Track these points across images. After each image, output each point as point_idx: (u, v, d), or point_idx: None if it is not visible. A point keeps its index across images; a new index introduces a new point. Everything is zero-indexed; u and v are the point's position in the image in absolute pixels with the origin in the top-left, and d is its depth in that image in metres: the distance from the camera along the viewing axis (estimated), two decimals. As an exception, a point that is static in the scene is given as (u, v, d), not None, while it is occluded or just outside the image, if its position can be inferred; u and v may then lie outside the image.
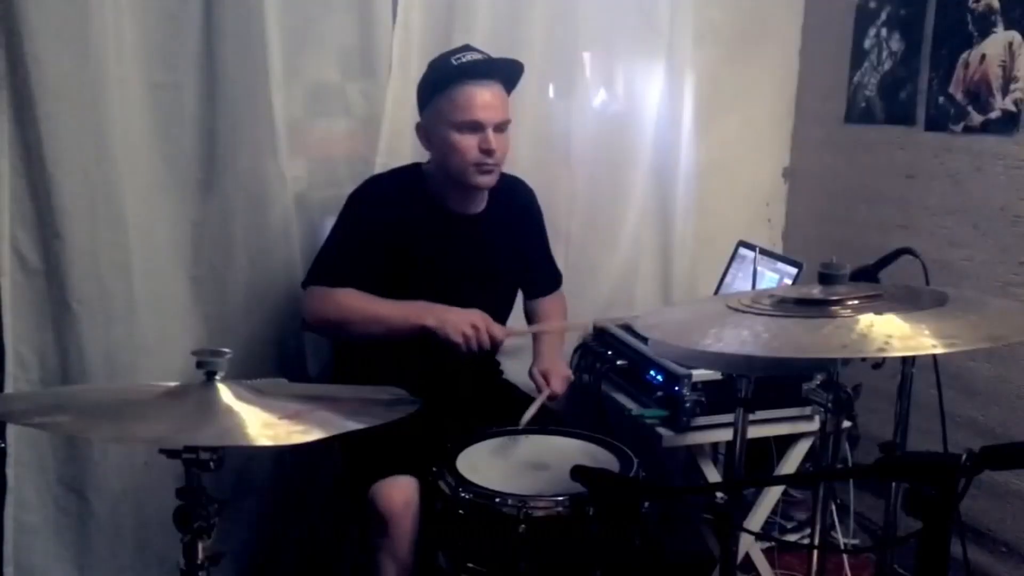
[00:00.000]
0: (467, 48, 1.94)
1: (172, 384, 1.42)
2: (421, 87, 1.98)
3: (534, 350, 2.13)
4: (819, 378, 1.57)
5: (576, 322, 2.36)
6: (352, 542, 2.25)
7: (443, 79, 1.90)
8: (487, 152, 1.90)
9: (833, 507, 2.33)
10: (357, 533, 2.03)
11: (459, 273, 2.01)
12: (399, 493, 1.75)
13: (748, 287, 2.34)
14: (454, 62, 1.89)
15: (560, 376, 2.03)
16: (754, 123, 2.95)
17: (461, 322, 1.83)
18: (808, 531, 2.54)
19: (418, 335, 1.85)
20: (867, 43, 2.68)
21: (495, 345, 1.88)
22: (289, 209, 2.24)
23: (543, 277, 2.28)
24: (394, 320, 1.87)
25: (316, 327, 2.04)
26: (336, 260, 1.95)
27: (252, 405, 1.30)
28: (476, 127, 1.89)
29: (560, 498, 1.57)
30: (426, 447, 1.75)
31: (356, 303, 1.89)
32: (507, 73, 1.96)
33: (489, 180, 1.95)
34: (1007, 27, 2.23)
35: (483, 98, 1.88)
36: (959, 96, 2.37)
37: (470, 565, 1.61)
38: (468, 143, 1.89)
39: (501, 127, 1.92)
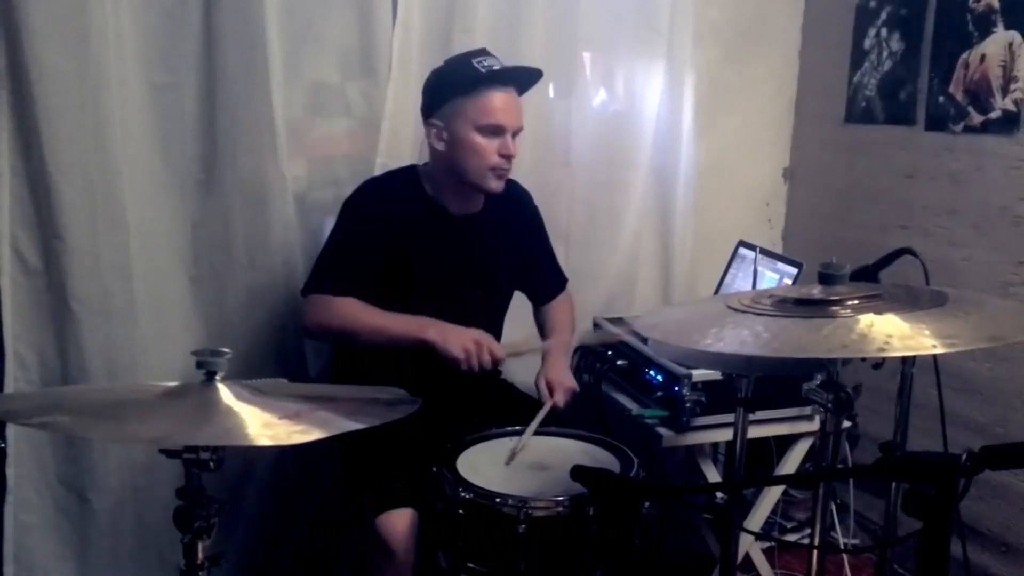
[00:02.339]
0: (485, 52, 1.95)
1: (172, 384, 1.42)
2: (437, 86, 1.97)
3: (542, 357, 2.12)
4: (819, 378, 1.56)
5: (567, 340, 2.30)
6: (352, 541, 2.25)
7: (468, 82, 1.90)
8: (506, 157, 1.92)
9: (833, 507, 2.33)
10: (357, 532, 2.03)
11: (457, 273, 2.01)
12: (402, 526, 1.75)
13: (748, 287, 2.34)
14: (479, 67, 1.90)
15: (564, 388, 2.02)
16: (754, 123, 2.96)
17: (463, 337, 1.85)
18: (808, 531, 2.54)
19: (419, 348, 1.86)
20: (867, 43, 2.68)
21: (495, 364, 1.89)
22: (289, 209, 2.24)
23: (547, 279, 2.27)
24: (395, 333, 1.88)
25: (317, 335, 2.06)
26: (336, 267, 1.95)
27: (252, 405, 1.30)
28: (499, 131, 1.91)
29: (560, 498, 1.57)
30: (427, 459, 1.74)
31: (358, 314, 1.90)
32: (525, 81, 1.99)
33: (500, 185, 1.98)
34: (1007, 27, 2.23)
35: (506, 103, 1.91)
36: (959, 96, 2.37)
37: (470, 565, 1.61)
38: (490, 147, 1.91)
39: (517, 133, 1.95)
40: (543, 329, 2.24)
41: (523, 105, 1.99)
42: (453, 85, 1.94)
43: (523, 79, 1.98)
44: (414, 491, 1.77)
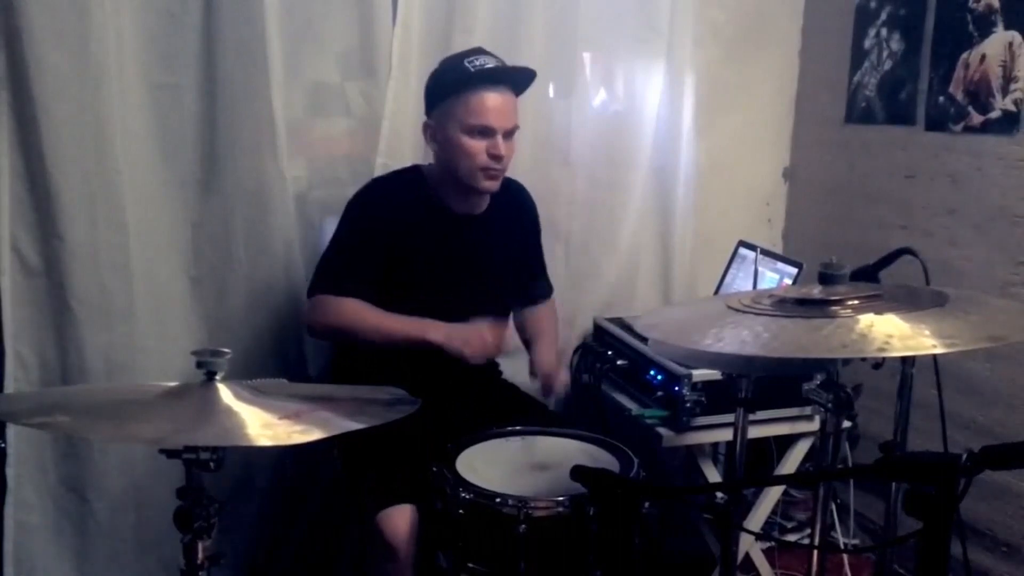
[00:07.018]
0: (480, 51, 1.94)
1: (172, 384, 1.42)
2: (432, 87, 1.98)
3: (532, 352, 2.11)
4: (819, 378, 1.57)
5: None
6: (352, 541, 2.25)
7: (458, 82, 1.90)
8: (495, 157, 1.91)
9: (833, 507, 2.33)
10: (357, 533, 2.03)
11: (460, 273, 2.01)
12: (403, 523, 1.75)
13: (748, 287, 2.34)
14: (469, 66, 1.89)
15: (561, 381, 2.05)
16: (754, 123, 2.95)
17: (466, 333, 1.85)
18: (808, 531, 2.54)
19: (423, 349, 1.86)
20: (867, 43, 2.68)
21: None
22: (289, 209, 2.24)
23: (535, 285, 2.27)
24: (398, 335, 1.89)
25: (321, 335, 2.06)
26: (340, 267, 1.95)
27: (252, 405, 1.30)
28: (487, 132, 1.90)
29: (560, 498, 1.57)
30: (427, 459, 1.74)
31: (362, 315, 1.90)
32: (519, 80, 1.97)
33: (494, 185, 1.97)
34: (1007, 27, 2.23)
35: (496, 104, 1.90)
36: (959, 96, 2.37)
37: (470, 565, 1.61)
38: (477, 147, 1.90)
39: (510, 133, 1.94)
40: (524, 333, 2.20)
41: (523, 105, 1.99)
42: (444, 85, 1.94)
43: (514, 79, 1.96)
44: (414, 488, 1.77)
